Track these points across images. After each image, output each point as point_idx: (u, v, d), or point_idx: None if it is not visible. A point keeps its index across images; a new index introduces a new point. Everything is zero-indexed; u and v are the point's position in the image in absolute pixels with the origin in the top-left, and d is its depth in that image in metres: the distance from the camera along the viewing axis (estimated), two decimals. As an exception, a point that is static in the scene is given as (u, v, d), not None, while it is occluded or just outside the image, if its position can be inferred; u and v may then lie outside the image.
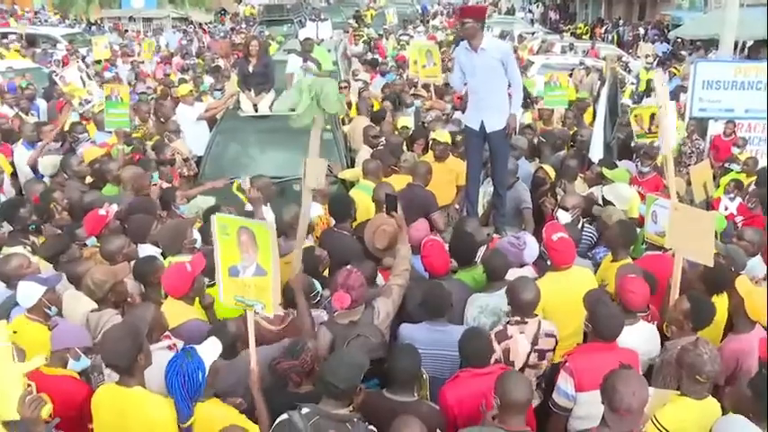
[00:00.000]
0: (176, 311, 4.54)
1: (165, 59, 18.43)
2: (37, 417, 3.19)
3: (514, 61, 6.74)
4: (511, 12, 42.36)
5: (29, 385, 3.33)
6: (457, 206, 7.19)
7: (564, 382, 4.03)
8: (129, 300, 4.87)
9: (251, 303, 4.06)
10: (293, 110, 8.17)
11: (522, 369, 4.28)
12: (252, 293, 4.09)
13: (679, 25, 27.87)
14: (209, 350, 3.56)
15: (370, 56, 16.79)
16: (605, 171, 7.21)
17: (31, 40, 22.88)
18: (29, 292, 4.47)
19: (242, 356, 4.12)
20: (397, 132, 8.92)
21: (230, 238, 4.03)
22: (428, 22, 31.15)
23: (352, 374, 3.53)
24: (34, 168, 8.26)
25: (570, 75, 13.16)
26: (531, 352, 4.35)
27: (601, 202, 6.79)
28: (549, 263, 5.16)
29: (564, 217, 6.09)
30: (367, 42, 20.41)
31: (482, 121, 6.59)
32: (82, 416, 3.81)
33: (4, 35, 23.14)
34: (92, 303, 4.76)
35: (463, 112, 8.19)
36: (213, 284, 4.66)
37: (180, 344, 4.19)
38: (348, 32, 22.00)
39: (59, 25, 31.89)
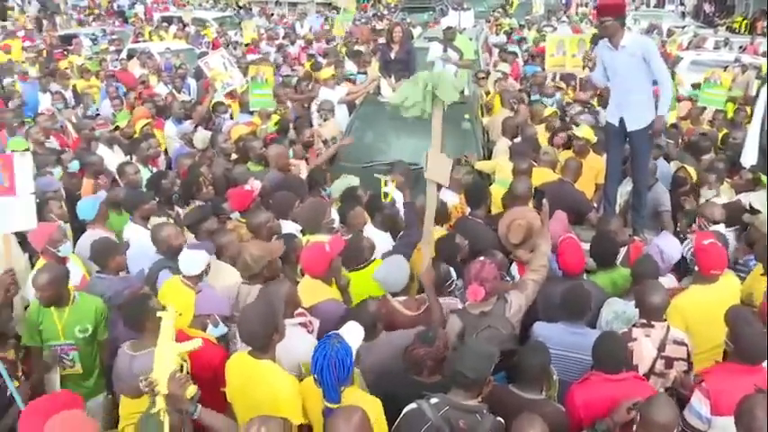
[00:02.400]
0: (313, 290, 4.64)
1: (308, 43, 18.92)
2: (182, 395, 3.37)
3: (659, 57, 6.41)
4: (660, 4, 40.32)
5: (182, 365, 3.54)
6: (595, 204, 6.98)
7: (698, 403, 3.81)
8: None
9: None
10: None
11: (646, 375, 4.13)
12: None
13: None
14: (355, 335, 3.57)
15: (510, 46, 16.53)
16: (763, 177, 6.74)
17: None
18: (197, 259, 4.75)
19: (381, 339, 4.16)
20: (542, 120, 8.74)
21: None
22: (568, 13, 30.26)
23: (482, 365, 3.51)
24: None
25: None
26: (657, 358, 4.18)
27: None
28: (696, 268, 4.90)
29: (718, 229, 5.72)
30: (508, 33, 20.11)
31: (622, 119, 6.35)
32: (216, 379, 3.99)
33: (166, 19, 24.64)
34: (234, 274, 4.99)
35: (605, 109, 7.94)
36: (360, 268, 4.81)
37: (315, 322, 4.31)
38: (489, 22, 21.75)
39: (212, 9, 33.51)
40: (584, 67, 11.11)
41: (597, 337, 4.02)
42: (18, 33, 21.56)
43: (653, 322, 4.23)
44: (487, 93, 10.83)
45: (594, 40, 9.86)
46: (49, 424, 3.17)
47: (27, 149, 7.62)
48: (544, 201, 5.11)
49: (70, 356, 4.69)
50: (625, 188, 6.88)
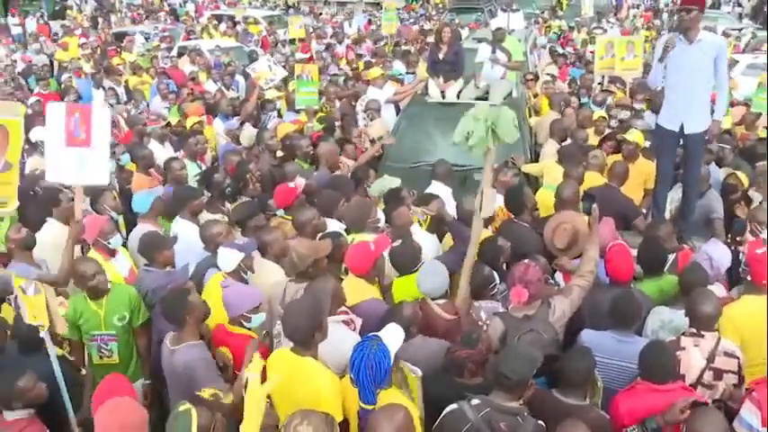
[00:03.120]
0: (356, 289, 4.66)
1: (356, 42, 19.00)
2: None
3: (726, 60, 6.28)
4: (716, 5, 39.30)
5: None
6: (644, 210, 6.85)
7: (748, 413, 3.70)
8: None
9: None
10: (481, 97, 8.27)
11: (693, 386, 4.04)
12: None
13: None
14: (394, 338, 3.55)
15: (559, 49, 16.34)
16: None
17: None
18: (230, 257, 4.80)
19: (416, 342, 4.13)
20: (591, 124, 8.65)
21: None
22: (618, 15, 29.74)
23: (525, 368, 3.49)
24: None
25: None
26: (705, 369, 4.08)
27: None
28: (747, 278, 4.78)
29: None
30: (557, 34, 19.89)
31: (682, 123, 6.22)
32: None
33: (216, 17, 25.01)
34: (279, 270, 5.04)
35: (654, 112, 7.79)
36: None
37: (358, 321, 4.33)
38: (538, 23, 21.55)
39: (261, 8, 33.88)
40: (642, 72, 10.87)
41: (645, 345, 3.94)
42: (75, 31, 22.20)
43: (703, 332, 4.14)
44: (535, 95, 10.72)
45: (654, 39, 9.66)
46: (101, 411, 3.24)
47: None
48: (594, 206, 5.02)
49: (109, 346, 4.80)
50: (676, 194, 6.75)
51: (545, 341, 4.11)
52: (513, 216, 5.92)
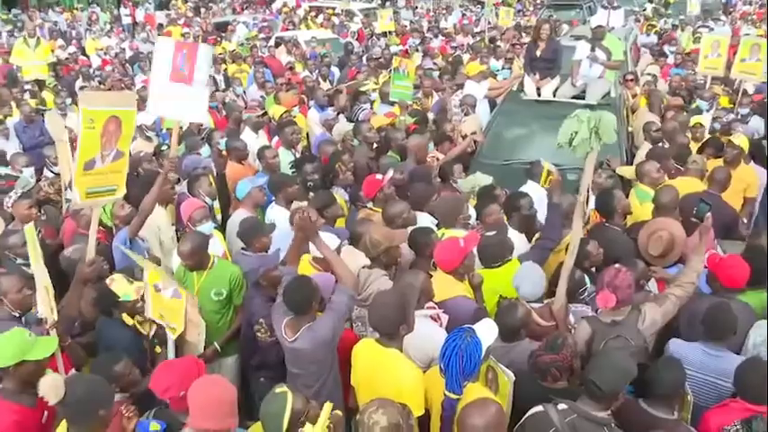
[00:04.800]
0: (445, 285, 4.65)
1: (451, 37, 18.91)
2: None
3: None
4: None
5: None
6: (745, 220, 6.55)
7: None
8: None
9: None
10: (577, 96, 8.12)
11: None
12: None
13: None
14: (488, 332, 3.55)
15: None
16: None
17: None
18: (328, 242, 4.84)
19: (523, 344, 4.07)
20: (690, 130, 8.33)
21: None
22: (731, 13, 28.39)
23: (617, 379, 3.40)
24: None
25: None
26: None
27: None
28: None
29: None
30: (659, 33, 19.19)
31: None
32: (348, 361, 4.11)
33: (314, 8, 25.42)
34: (366, 259, 5.11)
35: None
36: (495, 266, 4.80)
37: (444, 318, 4.33)
38: (640, 21, 20.85)
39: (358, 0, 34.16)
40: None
41: (742, 362, 3.79)
42: (179, 21, 23.03)
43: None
44: (634, 95, 10.39)
45: None
46: (196, 388, 3.33)
47: (182, 126, 8.16)
48: (708, 214, 4.78)
49: None
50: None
51: (632, 349, 4.00)
52: (604, 219, 5.79)
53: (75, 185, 4.37)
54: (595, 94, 8.32)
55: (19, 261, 5.27)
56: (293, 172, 7.05)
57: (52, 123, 7.12)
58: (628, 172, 7.26)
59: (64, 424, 3.40)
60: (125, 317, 4.51)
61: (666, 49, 15.26)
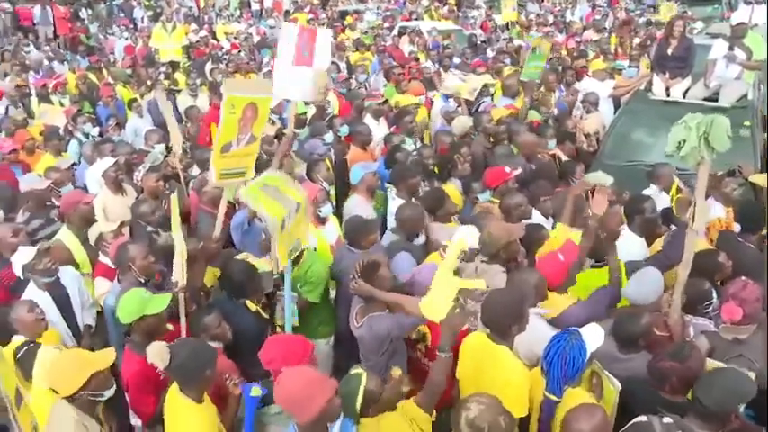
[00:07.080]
0: (552, 301, 4.48)
1: (575, 32, 18.38)
2: (458, 325, 3.62)
3: None
4: None
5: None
6: None
7: None
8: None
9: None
10: (710, 98, 7.72)
11: None
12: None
13: None
14: (594, 336, 3.48)
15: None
16: None
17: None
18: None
19: (642, 355, 3.89)
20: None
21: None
22: None
23: (727, 399, 3.23)
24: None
25: None
26: None
27: None
28: None
29: None
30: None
31: None
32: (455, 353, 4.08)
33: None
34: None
35: None
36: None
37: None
38: (788, 18, 19.51)
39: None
40: None
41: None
42: (305, 9, 23.58)
43: None
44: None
45: None
46: (289, 380, 3.19)
47: (304, 113, 8.38)
48: None
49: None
50: None
51: (755, 370, 3.73)
52: (739, 231, 5.44)
53: (213, 166, 4.67)
54: (730, 97, 7.89)
55: (149, 229, 5.61)
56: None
57: (162, 103, 7.62)
58: (762, 181, 6.81)
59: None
60: (248, 303, 4.73)
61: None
